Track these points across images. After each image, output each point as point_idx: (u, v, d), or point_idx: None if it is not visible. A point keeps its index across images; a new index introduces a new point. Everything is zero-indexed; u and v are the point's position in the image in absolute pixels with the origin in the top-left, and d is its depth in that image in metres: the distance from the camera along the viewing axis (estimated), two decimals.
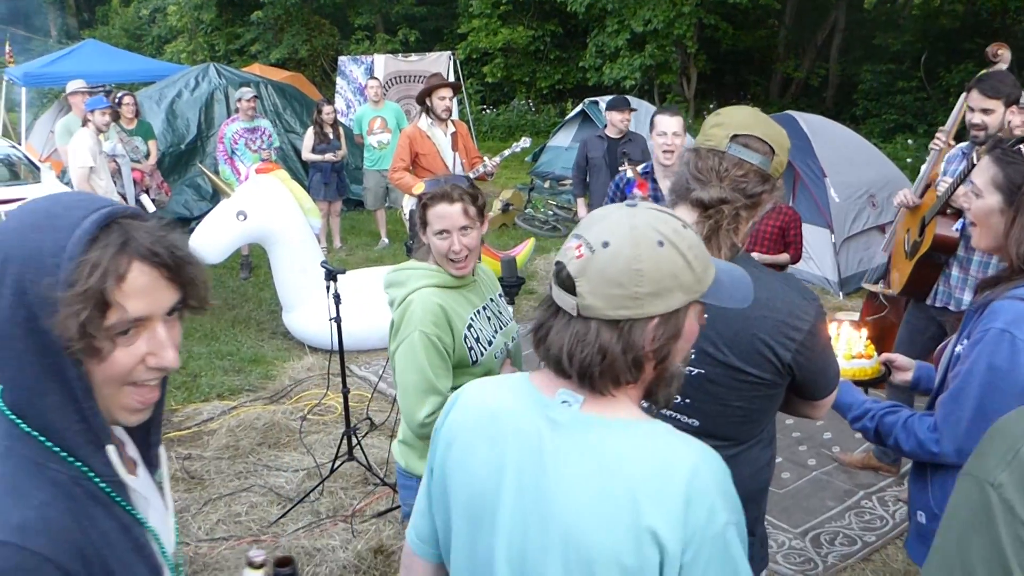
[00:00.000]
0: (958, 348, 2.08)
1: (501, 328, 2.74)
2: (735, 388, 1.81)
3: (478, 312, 2.65)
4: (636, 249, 1.23)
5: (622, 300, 1.23)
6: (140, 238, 1.09)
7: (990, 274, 3.64)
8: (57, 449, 1.11)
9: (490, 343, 2.64)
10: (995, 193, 2.04)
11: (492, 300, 2.78)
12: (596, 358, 1.24)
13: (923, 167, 4.37)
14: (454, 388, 2.54)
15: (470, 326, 2.58)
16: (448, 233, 2.51)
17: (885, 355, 2.45)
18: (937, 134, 4.23)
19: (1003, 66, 4.09)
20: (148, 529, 1.22)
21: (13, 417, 1.11)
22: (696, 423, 1.84)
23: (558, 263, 1.29)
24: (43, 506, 1.06)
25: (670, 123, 4.65)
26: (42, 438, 1.10)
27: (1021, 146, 2.06)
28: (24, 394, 1.10)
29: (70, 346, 1.04)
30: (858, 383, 2.36)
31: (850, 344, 2.48)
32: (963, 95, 4.09)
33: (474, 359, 2.59)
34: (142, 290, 1.09)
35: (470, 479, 1.35)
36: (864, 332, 2.53)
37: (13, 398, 1.11)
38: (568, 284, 1.26)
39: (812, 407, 2.01)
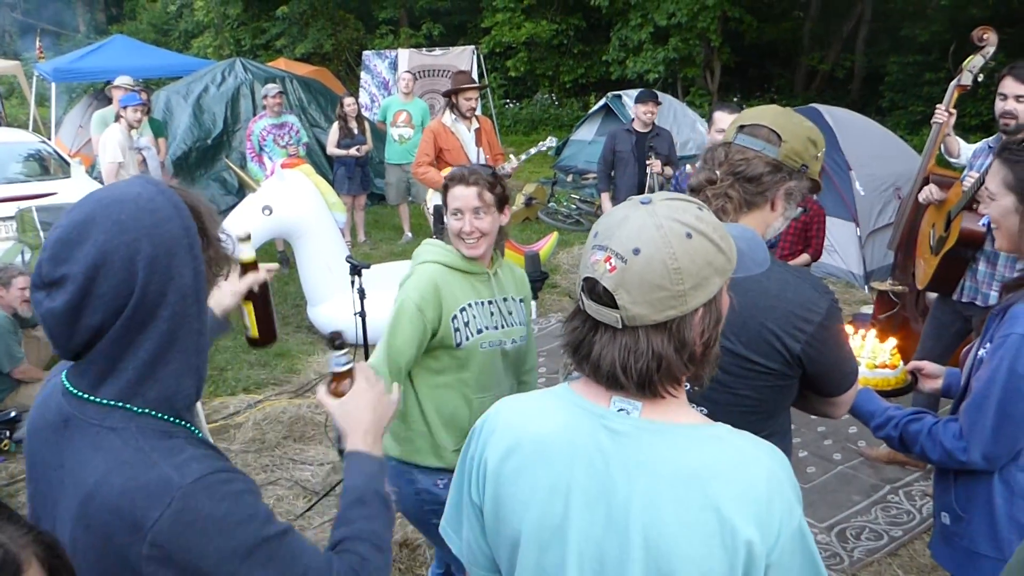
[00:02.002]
0: (981, 351, 2.07)
1: (504, 326, 2.77)
2: (743, 376, 1.80)
3: (481, 303, 2.72)
4: (669, 248, 1.21)
5: (667, 301, 1.21)
6: None
7: (1018, 269, 3.62)
8: (166, 417, 1.29)
9: (479, 332, 2.69)
10: (1008, 194, 2.05)
11: (507, 300, 2.82)
12: (652, 365, 1.23)
13: (927, 143, 4.43)
14: (435, 366, 2.66)
15: (463, 309, 2.66)
16: (462, 213, 2.63)
17: (913, 363, 2.41)
18: (937, 108, 4.35)
19: (990, 50, 4.10)
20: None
21: (119, 404, 1.27)
22: (704, 411, 1.82)
23: (588, 279, 1.25)
24: (199, 456, 1.27)
25: (729, 120, 4.72)
26: (153, 412, 1.28)
27: None
28: (145, 371, 1.26)
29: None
30: (882, 393, 2.32)
31: (875, 353, 2.44)
32: (958, 75, 4.17)
33: (458, 341, 2.66)
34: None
35: (531, 507, 1.32)
36: (891, 342, 2.48)
37: (120, 386, 1.27)
38: (607, 299, 1.23)
39: (830, 404, 2.00)
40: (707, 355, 1.29)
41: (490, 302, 2.75)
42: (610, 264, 1.22)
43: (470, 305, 2.68)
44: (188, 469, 1.22)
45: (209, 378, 5.81)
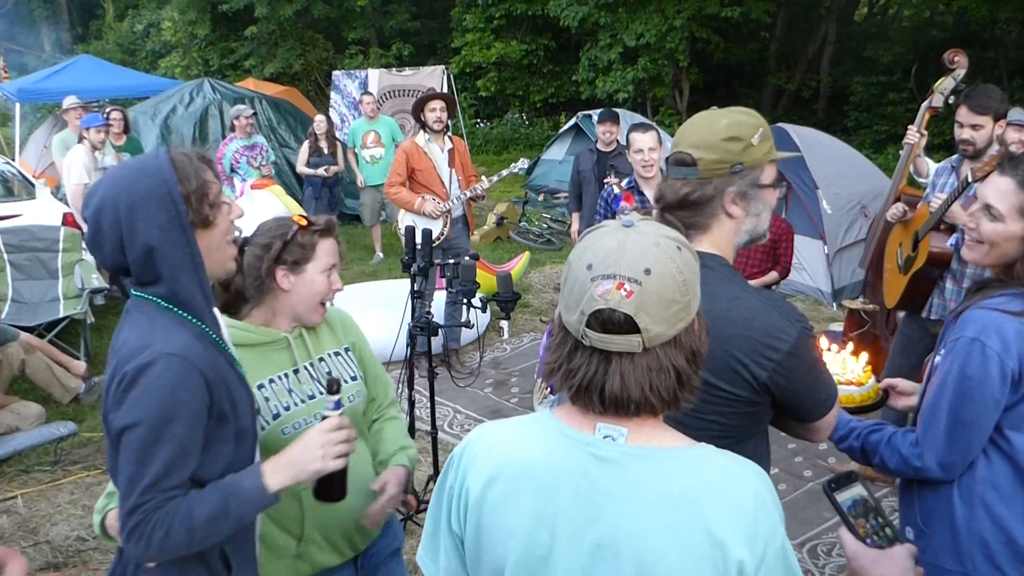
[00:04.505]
0: (936, 358, 2.08)
1: (313, 397, 2.22)
2: (709, 402, 1.77)
3: (281, 377, 2.20)
4: (672, 262, 1.25)
5: (679, 314, 1.24)
6: None
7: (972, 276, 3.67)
8: (185, 315, 1.75)
9: (275, 416, 2.14)
10: (1020, 221, 1.97)
11: (322, 359, 2.31)
12: (674, 380, 1.26)
13: (898, 164, 4.50)
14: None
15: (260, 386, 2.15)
16: (335, 268, 2.27)
17: (887, 381, 2.37)
18: (908, 130, 4.42)
19: (961, 72, 4.16)
20: (240, 368, 1.88)
21: (152, 298, 1.74)
22: None
23: (601, 311, 1.23)
24: (190, 340, 1.72)
25: (644, 139, 4.82)
26: (177, 310, 1.75)
27: None
28: (171, 273, 1.72)
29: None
30: (847, 410, 2.29)
31: (844, 369, 2.42)
32: (929, 97, 4.24)
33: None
34: None
35: (516, 536, 1.30)
36: (864, 358, 2.45)
37: (166, 289, 1.74)
38: (627, 326, 1.22)
39: (808, 429, 1.96)
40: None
41: (295, 371, 2.23)
42: (624, 290, 1.22)
43: (261, 387, 2.14)
44: (171, 342, 1.68)
45: None
